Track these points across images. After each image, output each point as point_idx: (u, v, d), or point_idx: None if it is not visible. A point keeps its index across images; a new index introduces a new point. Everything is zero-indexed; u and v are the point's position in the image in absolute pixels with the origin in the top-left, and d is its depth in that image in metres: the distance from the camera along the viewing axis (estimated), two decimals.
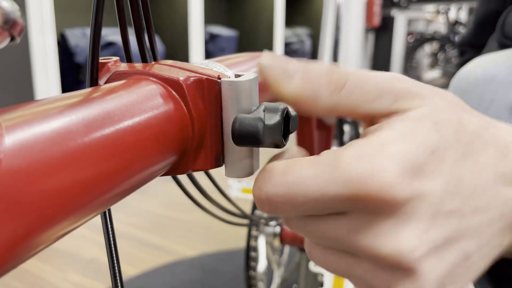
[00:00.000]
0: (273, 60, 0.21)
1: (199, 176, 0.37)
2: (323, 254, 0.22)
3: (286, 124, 0.23)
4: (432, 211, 0.19)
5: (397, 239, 0.19)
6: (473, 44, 0.68)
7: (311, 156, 0.20)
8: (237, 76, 0.23)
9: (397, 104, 0.20)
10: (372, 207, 0.18)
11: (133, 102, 0.20)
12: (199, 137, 0.23)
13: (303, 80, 0.21)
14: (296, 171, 0.19)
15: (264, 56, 0.22)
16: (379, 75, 0.21)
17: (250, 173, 0.24)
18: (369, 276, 0.20)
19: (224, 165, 0.25)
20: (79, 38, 2.55)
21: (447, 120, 0.20)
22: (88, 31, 2.58)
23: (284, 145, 0.23)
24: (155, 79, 0.23)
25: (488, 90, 0.47)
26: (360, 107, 0.21)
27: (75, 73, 2.58)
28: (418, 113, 0.20)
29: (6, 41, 0.13)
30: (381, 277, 0.20)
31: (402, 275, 0.19)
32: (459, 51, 0.72)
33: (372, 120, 0.21)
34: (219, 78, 0.24)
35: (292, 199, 0.19)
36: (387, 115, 0.21)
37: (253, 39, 4.11)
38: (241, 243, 1.59)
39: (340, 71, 0.21)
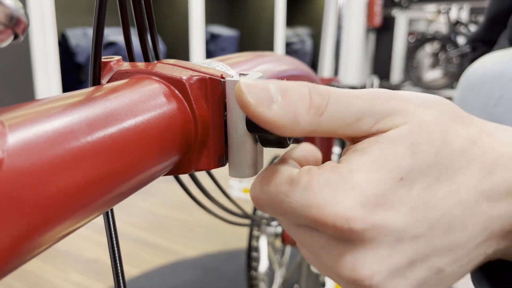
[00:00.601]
0: (254, 81, 0.20)
1: (200, 176, 0.37)
2: (304, 251, 0.23)
3: None
4: (394, 238, 0.19)
5: (357, 264, 0.19)
6: (484, 40, 0.68)
7: (292, 171, 0.21)
8: (241, 75, 0.23)
9: (378, 125, 0.20)
10: (331, 233, 0.20)
11: (136, 101, 0.20)
12: (202, 137, 0.23)
13: (283, 104, 0.20)
14: (277, 185, 0.21)
15: (245, 77, 0.22)
16: (363, 95, 0.21)
17: (254, 173, 0.24)
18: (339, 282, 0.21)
19: (228, 165, 0.25)
20: (80, 38, 2.55)
21: (428, 140, 0.20)
22: (89, 31, 2.58)
23: (288, 145, 0.23)
24: (157, 78, 0.23)
25: (496, 86, 0.47)
26: (340, 130, 0.21)
27: (76, 73, 2.58)
28: (396, 133, 0.20)
29: (9, 39, 0.13)
30: None
31: None
32: (471, 47, 0.73)
33: (353, 139, 0.21)
34: (222, 77, 0.24)
35: (273, 207, 0.21)
36: (369, 136, 0.20)
37: (254, 39, 4.11)
38: (242, 243, 1.59)
39: (320, 94, 0.20)
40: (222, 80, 0.24)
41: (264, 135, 0.23)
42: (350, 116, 0.20)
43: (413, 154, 0.19)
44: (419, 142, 0.19)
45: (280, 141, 0.23)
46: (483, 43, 0.69)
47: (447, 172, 0.20)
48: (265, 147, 0.24)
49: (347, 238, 0.19)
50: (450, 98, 0.25)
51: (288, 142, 0.23)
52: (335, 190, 0.19)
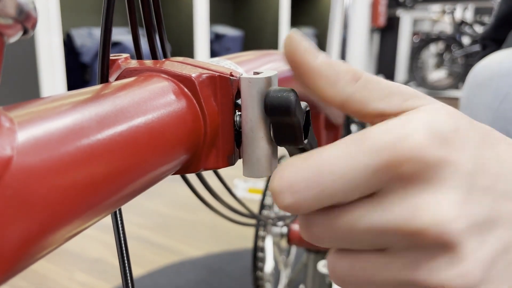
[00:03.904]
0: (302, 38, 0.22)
1: (205, 175, 0.37)
2: (349, 261, 0.20)
3: (305, 127, 0.23)
4: (467, 182, 0.18)
5: (437, 207, 0.18)
6: (494, 39, 0.69)
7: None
8: (255, 73, 0.23)
9: (407, 103, 0.20)
10: (405, 173, 0.18)
11: (145, 99, 0.20)
12: (211, 135, 0.23)
13: (327, 60, 0.21)
14: (320, 154, 0.19)
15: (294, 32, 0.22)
16: (388, 80, 0.22)
17: (269, 172, 0.24)
18: (406, 271, 0.19)
19: (242, 165, 0.24)
20: (85, 37, 2.56)
21: (460, 114, 0.20)
22: (94, 30, 2.58)
23: (303, 142, 0.22)
24: (166, 76, 0.23)
25: (503, 84, 0.48)
26: (372, 102, 0.20)
27: (81, 73, 2.59)
28: (431, 107, 0.20)
29: (19, 34, 0.13)
30: (422, 267, 0.18)
31: (444, 255, 0.18)
32: (481, 45, 0.73)
33: (379, 119, 0.21)
34: (232, 75, 0.24)
35: (318, 181, 0.18)
36: (398, 114, 0.20)
37: (259, 39, 4.11)
38: (246, 244, 1.58)
39: (355, 68, 0.21)
40: (232, 78, 0.23)
41: (281, 119, 0.22)
42: (382, 90, 0.20)
43: (454, 118, 0.19)
44: (454, 112, 0.20)
45: (296, 135, 0.22)
46: (493, 41, 0.69)
47: (486, 140, 0.20)
48: (280, 145, 0.24)
49: (421, 176, 0.18)
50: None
51: (303, 141, 0.22)
52: (401, 129, 0.18)
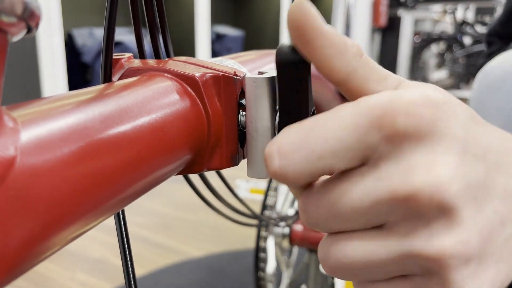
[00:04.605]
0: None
1: (207, 175, 0.37)
2: (343, 244, 0.19)
3: None
4: (460, 145, 0.18)
5: (431, 167, 0.17)
6: (501, 35, 0.68)
7: None
8: (260, 73, 0.23)
9: (401, 85, 0.20)
10: (398, 130, 0.17)
11: (149, 98, 0.20)
12: (214, 135, 0.23)
13: (335, 29, 0.20)
14: (314, 118, 0.18)
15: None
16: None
17: None
18: (403, 243, 0.18)
19: (246, 165, 0.24)
20: (86, 37, 2.56)
21: (450, 94, 0.20)
22: (95, 30, 2.58)
23: None
24: (170, 76, 0.23)
25: None
26: (371, 82, 0.20)
27: (82, 73, 2.59)
28: (423, 84, 0.20)
29: (22, 33, 0.13)
30: (418, 235, 0.18)
31: (440, 220, 0.17)
32: (487, 42, 0.72)
33: None
34: (236, 75, 0.23)
35: (307, 142, 0.18)
36: None
37: (260, 39, 4.11)
38: (248, 244, 1.58)
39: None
40: (236, 77, 0.23)
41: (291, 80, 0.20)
42: (380, 71, 0.20)
43: (443, 92, 0.19)
44: (444, 91, 0.20)
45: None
46: (499, 38, 0.68)
47: (478, 117, 0.20)
48: None
49: (416, 134, 0.17)
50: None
51: None
52: (397, 93, 0.18)
